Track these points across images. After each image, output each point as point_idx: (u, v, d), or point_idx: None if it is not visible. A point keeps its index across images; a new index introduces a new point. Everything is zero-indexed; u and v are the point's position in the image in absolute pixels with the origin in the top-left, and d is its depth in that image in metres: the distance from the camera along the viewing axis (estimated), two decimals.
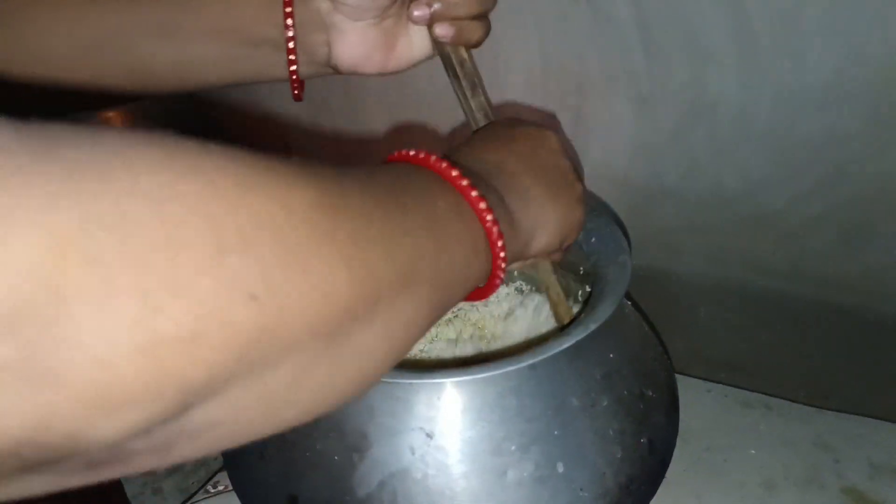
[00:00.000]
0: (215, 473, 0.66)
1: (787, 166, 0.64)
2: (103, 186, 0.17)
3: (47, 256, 0.16)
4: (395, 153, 0.35)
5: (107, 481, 0.44)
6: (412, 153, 0.34)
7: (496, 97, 0.73)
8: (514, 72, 0.72)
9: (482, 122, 0.47)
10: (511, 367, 0.43)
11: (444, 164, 0.34)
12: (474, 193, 0.33)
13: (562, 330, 0.49)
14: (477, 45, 0.47)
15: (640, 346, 0.53)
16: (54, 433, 0.17)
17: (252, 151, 0.22)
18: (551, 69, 0.70)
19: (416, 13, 0.45)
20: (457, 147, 0.41)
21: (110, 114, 0.79)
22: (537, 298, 0.64)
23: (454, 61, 0.47)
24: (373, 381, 0.27)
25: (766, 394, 0.73)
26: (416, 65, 0.50)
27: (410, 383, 0.43)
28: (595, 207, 0.55)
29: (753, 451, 0.67)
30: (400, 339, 0.28)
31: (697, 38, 0.61)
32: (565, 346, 0.43)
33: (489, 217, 0.34)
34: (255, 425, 0.23)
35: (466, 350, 0.62)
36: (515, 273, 0.67)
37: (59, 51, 0.44)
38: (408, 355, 0.58)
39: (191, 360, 0.19)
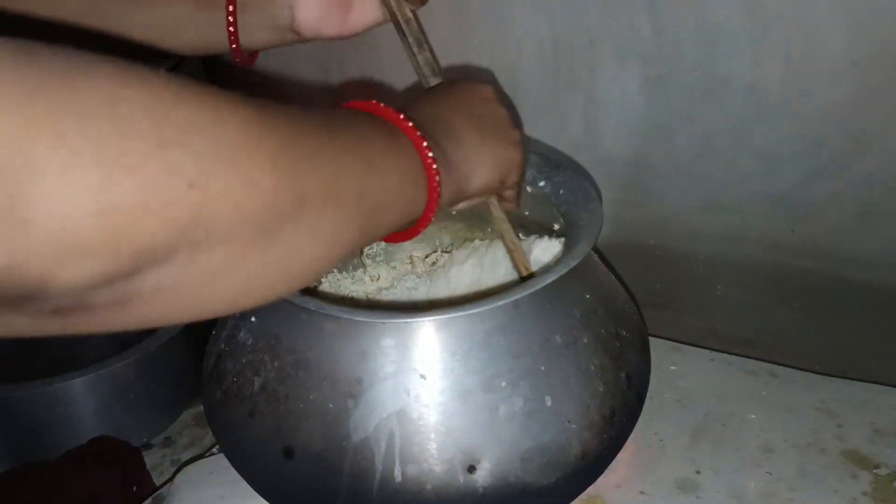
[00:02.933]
0: None
1: (802, 142, 0.72)
2: (68, 88, 0.25)
3: (24, 134, 0.23)
4: (348, 102, 0.44)
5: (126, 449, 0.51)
6: (362, 101, 0.43)
7: (508, 79, 0.83)
8: (525, 54, 0.81)
9: (430, 77, 0.58)
10: (499, 303, 0.50)
11: (389, 108, 0.43)
12: (417, 133, 0.43)
13: (522, 280, 0.57)
14: (422, 4, 0.57)
15: (611, 290, 0.61)
16: (26, 272, 0.24)
17: (196, 81, 0.30)
18: (562, 51, 0.78)
19: None
20: (402, 105, 0.50)
21: None
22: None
23: (400, 20, 0.56)
24: (301, 282, 0.36)
25: (772, 362, 0.80)
26: (369, 28, 0.60)
27: (405, 322, 0.50)
28: (560, 162, 0.63)
29: (754, 417, 0.74)
30: (327, 247, 0.36)
31: (707, 14, 0.69)
32: (548, 281, 0.50)
33: (429, 154, 0.43)
34: (198, 298, 0.32)
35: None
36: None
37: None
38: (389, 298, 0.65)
39: (141, 227, 0.26)
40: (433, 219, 0.45)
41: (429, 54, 0.57)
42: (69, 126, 0.24)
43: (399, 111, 0.43)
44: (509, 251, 0.60)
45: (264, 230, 0.31)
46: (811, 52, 0.66)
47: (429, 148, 0.43)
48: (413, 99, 0.51)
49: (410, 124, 0.43)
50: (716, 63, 0.71)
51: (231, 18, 0.56)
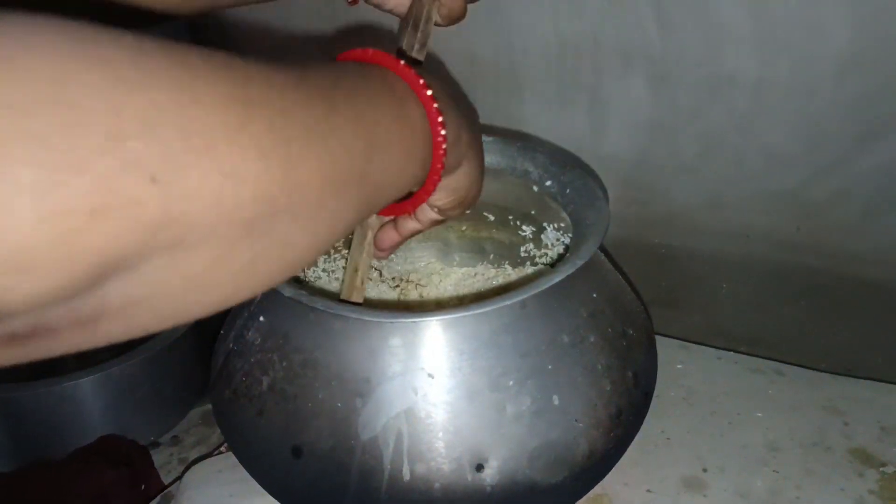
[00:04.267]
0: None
1: (807, 139, 0.72)
2: (5, 72, 0.21)
3: None
4: (350, 51, 0.40)
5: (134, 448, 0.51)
6: (362, 50, 0.40)
7: (512, 77, 0.83)
8: (529, 52, 0.81)
9: None
10: (506, 303, 0.51)
11: (408, 69, 0.39)
12: (428, 92, 0.39)
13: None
14: (449, 17, 0.56)
15: (618, 289, 0.62)
16: None
17: (175, 44, 0.26)
18: (566, 49, 0.79)
19: None
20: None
21: None
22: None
23: (423, 15, 0.55)
24: (294, 270, 0.32)
25: (778, 360, 0.80)
26: (391, 12, 0.58)
27: (412, 321, 0.51)
28: (567, 162, 0.63)
29: (760, 415, 0.74)
30: (324, 235, 0.33)
31: (712, 12, 0.69)
32: (555, 281, 0.51)
33: (439, 119, 0.40)
34: (176, 305, 0.28)
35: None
36: None
37: None
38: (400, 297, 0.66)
39: (96, 233, 0.22)
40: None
41: (423, 59, 0.56)
42: (4, 122, 0.21)
43: (418, 74, 0.39)
44: (349, 276, 0.60)
45: (254, 225, 0.28)
46: (816, 49, 0.66)
47: (438, 112, 0.40)
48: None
49: (429, 92, 0.39)
50: (721, 61, 0.71)
51: None
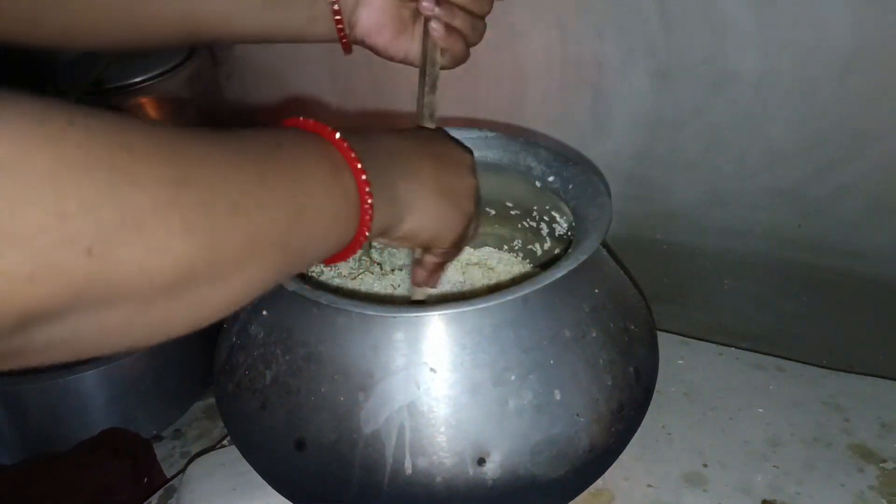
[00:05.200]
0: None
1: (810, 136, 0.72)
2: None
3: None
4: (291, 119, 0.42)
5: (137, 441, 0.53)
6: (303, 120, 0.42)
7: (515, 73, 0.84)
8: (532, 48, 0.82)
9: (426, 119, 0.59)
10: (508, 298, 0.51)
11: (334, 133, 0.41)
12: (357, 164, 0.41)
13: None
14: (453, 59, 0.58)
15: (620, 285, 0.62)
16: None
17: (121, 123, 0.29)
18: (570, 45, 0.79)
19: (424, 3, 0.55)
20: (363, 133, 0.48)
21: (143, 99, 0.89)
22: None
23: (428, 58, 0.58)
24: (207, 323, 0.35)
25: (779, 357, 0.81)
26: (404, 62, 0.60)
27: (415, 316, 0.52)
28: (571, 158, 0.64)
29: (761, 411, 0.75)
30: (240, 294, 0.35)
31: (715, 9, 0.70)
32: (557, 276, 0.51)
33: (366, 188, 0.41)
34: (94, 347, 0.31)
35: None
36: None
37: (71, 9, 0.51)
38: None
39: (26, 294, 0.26)
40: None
41: (435, 98, 0.58)
42: None
43: (344, 137, 0.41)
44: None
45: (172, 290, 0.31)
46: (819, 46, 0.67)
47: (367, 182, 0.41)
48: (391, 132, 0.50)
49: (353, 154, 0.41)
50: (724, 57, 0.71)
51: (336, 6, 0.56)
